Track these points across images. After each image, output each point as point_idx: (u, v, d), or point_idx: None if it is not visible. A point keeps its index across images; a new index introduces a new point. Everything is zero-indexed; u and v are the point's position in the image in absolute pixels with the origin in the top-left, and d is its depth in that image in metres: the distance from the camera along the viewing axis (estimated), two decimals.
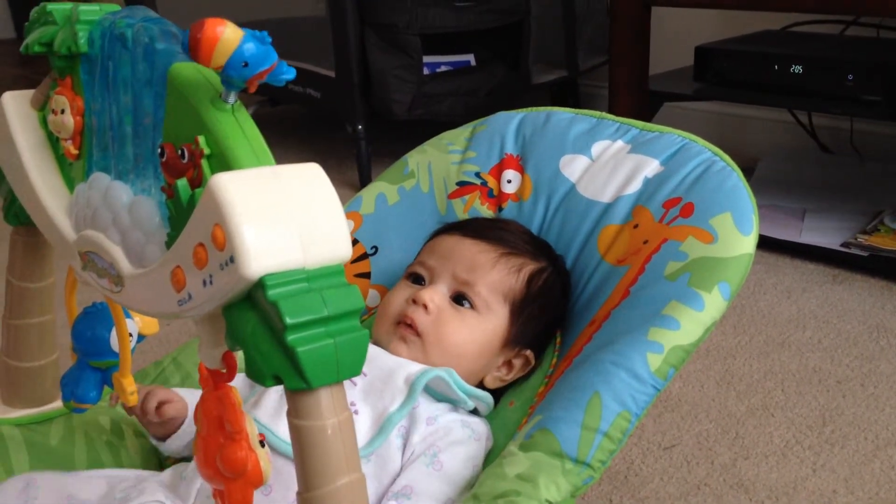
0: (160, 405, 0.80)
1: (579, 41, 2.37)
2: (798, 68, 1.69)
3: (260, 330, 0.53)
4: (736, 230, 0.78)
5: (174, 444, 0.82)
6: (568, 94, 2.51)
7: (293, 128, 2.67)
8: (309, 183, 0.55)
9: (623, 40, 1.86)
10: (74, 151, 0.69)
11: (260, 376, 0.53)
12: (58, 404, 0.85)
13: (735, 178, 0.83)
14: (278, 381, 0.52)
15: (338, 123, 2.22)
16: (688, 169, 0.85)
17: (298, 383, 0.51)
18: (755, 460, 1.14)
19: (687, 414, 1.25)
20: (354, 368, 0.53)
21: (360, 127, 2.12)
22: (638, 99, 1.91)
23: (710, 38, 1.90)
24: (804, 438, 1.18)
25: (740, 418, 1.23)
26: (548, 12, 2.32)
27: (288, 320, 0.51)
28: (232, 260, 0.51)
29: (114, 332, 0.75)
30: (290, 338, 0.51)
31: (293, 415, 0.52)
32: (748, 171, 1.93)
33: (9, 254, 0.80)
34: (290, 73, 0.56)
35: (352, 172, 2.14)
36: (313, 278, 0.53)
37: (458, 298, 0.85)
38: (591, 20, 2.39)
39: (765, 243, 1.72)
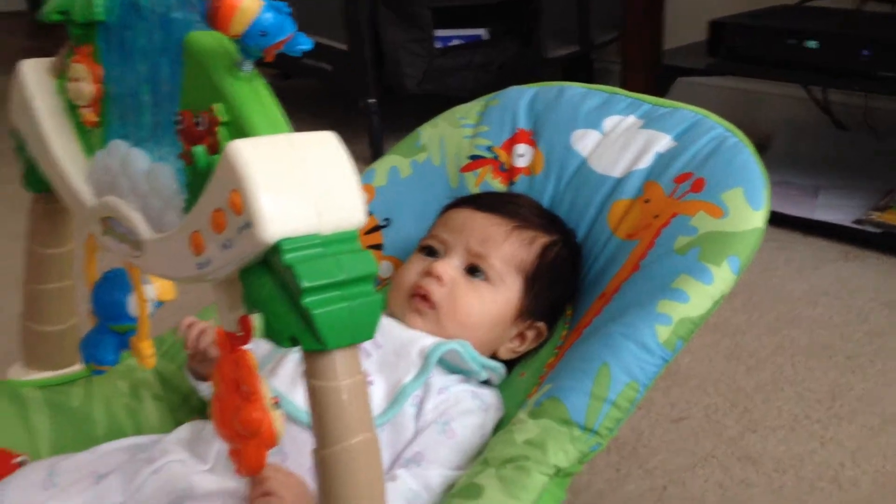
0: (202, 334, 0.81)
1: (592, 15, 2.36)
2: (813, 43, 1.68)
3: (276, 293, 0.54)
4: (747, 205, 0.79)
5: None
6: (581, 70, 2.50)
7: (305, 102, 2.68)
8: (324, 150, 0.56)
9: (637, 14, 1.86)
10: (93, 119, 0.70)
11: (277, 337, 0.54)
12: (77, 367, 0.87)
13: (747, 154, 0.83)
14: (295, 342, 0.53)
15: (350, 97, 2.22)
16: (700, 144, 0.86)
17: (314, 345, 0.53)
18: (763, 433, 1.15)
19: (696, 388, 1.26)
20: (368, 331, 0.54)
21: (372, 101, 2.12)
22: (651, 73, 1.91)
23: (724, 12, 1.88)
24: (812, 412, 1.20)
25: (749, 393, 1.24)
26: None
27: (304, 283, 0.52)
28: (249, 225, 0.52)
29: (132, 297, 0.77)
30: (306, 300, 0.52)
31: (310, 375, 0.54)
32: (762, 148, 1.93)
33: (29, 220, 0.82)
34: (307, 44, 0.57)
35: (364, 146, 2.15)
36: (328, 243, 0.54)
37: (472, 270, 0.86)
38: None
39: (777, 220, 1.72)
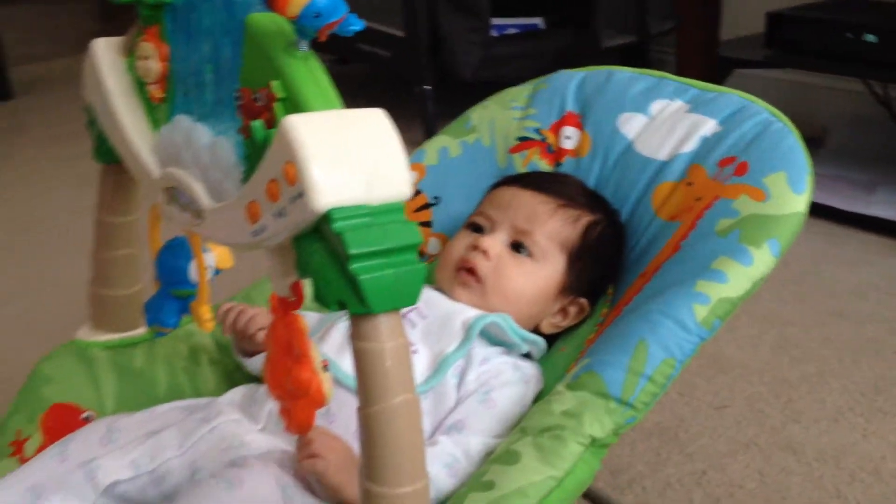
0: (251, 320, 0.85)
1: (650, 4, 2.35)
2: (872, 37, 1.66)
3: (326, 259, 0.57)
4: (789, 189, 0.80)
5: (259, 363, 0.87)
6: (636, 60, 2.49)
7: (361, 87, 2.72)
8: (373, 126, 0.59)
9: (694, 4, 1.85)
10: (159, 95, 0.74)
11: (326, 301, 0.57)
12: (141, 331, 0.92)
13: (792, 139, 0.84)
14: (342, 306, 0.57)
15: (405, 84, 2.26)
16: (745, 129, 0.87)
17: (360, 308, 0.56)
18: (806, 424, 1.16)
19: (739, 377, 1.27)
20: (411, 297, 0.57)
21: (427, 87, 2.15)
22: (707, 64, 1.90)
23: (783, 4, 1.87)
24: (856, 405, 1.19)
25: (793, 383, 1.25)
26: None
27: (352, 250, 0.55)
28: (302, 194, 0.56)
29: (193, 264, 0.81)
30: (354, 266, 0.55)
31: (355, 337, 0.57)
32: (817, 142, 1.91)
33: (98, 191, 0.87)
34: (358, 25, 0.60)
35: (418, 133, 2.18)
36: (376, 213, 0.57)
37: (517, 246, 0.89)
38: None
39: (831, 214, 1.71)
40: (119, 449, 0.77)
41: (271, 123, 0.61)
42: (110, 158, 0.81)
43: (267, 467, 0.72)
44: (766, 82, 2.19)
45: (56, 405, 0.87)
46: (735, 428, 1.16)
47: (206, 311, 0.81)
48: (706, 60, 1.90)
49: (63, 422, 0.86)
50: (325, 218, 0.56)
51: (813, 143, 0.86)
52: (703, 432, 1.15)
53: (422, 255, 1.01)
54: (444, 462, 0.74)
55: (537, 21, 2.37)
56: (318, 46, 0.61)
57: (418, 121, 2.20)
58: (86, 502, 0.73)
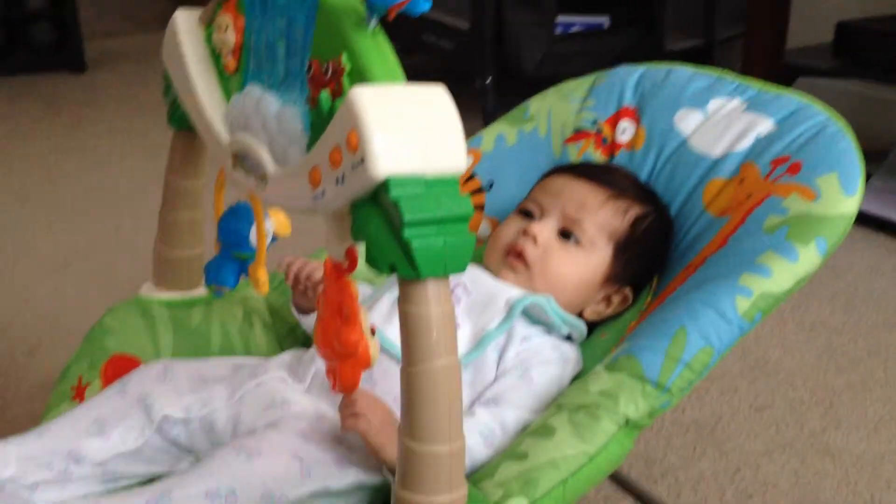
0: (311, 273, 0.89)
1: (719, 9, 2.34)
2: None
3: (381, 225, 0.60)
4: (840, 190, 0.80)
5: (313, 321, 0.91)
6: (701, 64, 2.48)
7: (424, 79, 2.75)
8: (434, 101, 0.61)
9: (762, 9, 1.84)
10: (233, 65, 0.77)
11: (378, 265, 0.60)
12: (199, 291, 0.96)
13: (847, 141, 0.84)
14: (393, 269, 0.60)
15: (467, 77, 2.28)
16: (801, 129, 0.87)
17: (410, 272, 0.58)
18: (845, 430, 1.16)
19: (783, 381, 1.27)
20: (459, 266, 0.59)
21: (488, 81, 2.18)
22: (772, 71, 1.88)
23: (853, 14, 1.85)
24: None
25: (837, 391, 1.24)
26: None
27: (406, 217, 0.58)
28: (362, 161, 0.59)
29: (253, 229, 0.85)
30: (407, 233, 0.58)
31: (403, 300, 0.60)
32: (881, 155, 1.89)
33: (169, 154, 0.91)
34: (426, 5, 0.62)
35: (477, 125, 2.21)
36: (431, 184, 0.59)
37: (566, 234, 0.91)
38: None
39: (888, 227, 1.69)
40: (173, 389, 0.81)
41: (338, 94, 0.64)
42: (183, 124, 0.86)
43: (287, 439, 0.75)
44: (831, 92, 2.16)
45: (116, 355, 0.92)
46: (773, 429, 1.16)
47: (262, 274, 0.85)
48: (771, 67, 1.88)
49: (122, 371, 0.91)
50: (383, 186, 0.59)
51: (875, 155, 0.86)
52: (740, 431, 1.16)
53: None
54: (481, 432, 0.77)
55: (602, 20, 2.38)
56: (384, 23, 0.64)
57: (478, 114, 2.22)
58: (143, 435, 0.78)
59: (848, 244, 1.66)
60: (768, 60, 1.89)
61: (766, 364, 1.31)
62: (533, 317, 0.88)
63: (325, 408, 0.80)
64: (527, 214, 0.94)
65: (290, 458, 0.73)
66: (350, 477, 0.74)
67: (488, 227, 1.03)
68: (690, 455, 1.11)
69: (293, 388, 0.82)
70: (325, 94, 0.65)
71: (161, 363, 0.86)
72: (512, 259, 0.91)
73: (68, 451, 0.76)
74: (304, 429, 0.77)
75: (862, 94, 2.18)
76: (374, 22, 0.64)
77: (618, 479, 1.06)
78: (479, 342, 0.84)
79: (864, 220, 1.72)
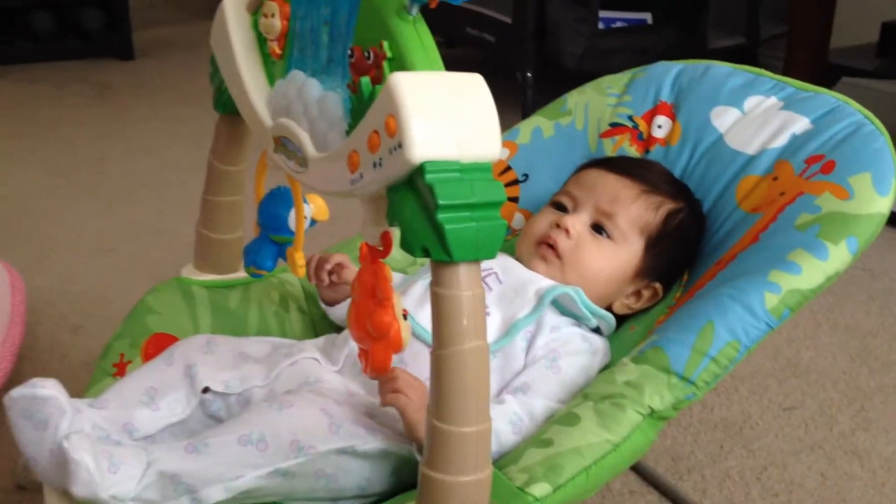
0: (337, 267, 0.91)
1: (763, 8, 2.32)
2: None
3: (416, 209, 0.62)
4: (873, 190, 0.80)
5: (341, 311, 0.93)
6: (744, 63, 2.46)
7: (466, 70, 2.76)
8: (472, 89, 0.63)
9: (805, 9, 1.83)
10: (278, 51, 0.80)
11: (411, 248, 0.62)
12: (238, 274, 0.99)
13: (882, 142, 0.84)
14: (426, 252, 0.61)
15: (508, 70, 2.29)
16: (836, 129, 0.87)
17: (442, 255, 0.60)
18: (875, 432, 1.15)
19: (814, 382, 1.27)
20: (491, 251, 0.61)
21: (529, 74, 2.19)
22: (815, 70, 1.87)
23: None
24: None
25: (868, 393, 1.24)
26: None
27: (440, 201, 0.59)
28: (400, 146, 0.60)
29: (292, 213, 0.87)
30: (440, 216, 0.59)
31: (434, 283, 0.61)
32: None
33: (213, 138, 0.93)
34: None
35: (516, 119, 2.22)
36: (465, 170, 0.61)
37: (598, 228, 0.92)
38: None
39: None
40: (216, 361, 0.84)
41: (378, 80, 0.66)
42: (228, 108, 0.88)
43: (319, 398, 0.77)
44: (875, 93, 2.13)
45: (156, 334, 0.95)
46: (802, 429, 1.16)
47: (300, 258, 0.87)
48: (814, 67, 1.87)
49: (162, 350, 0.93)
50: (419, 170, 0.60)
51: None
52: (768, 430, 1.16)
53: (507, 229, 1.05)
54: (510, 420, 0.78)
55: (646, 16, 2.37)
56: (429, 28, 0.65)
57: (518, 108, 2.23)
58: (189, 406, 0.81)
59: (885, 247, 1.65)
60: (811, 60, 1.88)
61: (798, 365, 1.31)
62: (563, 307, 0.89)
63: (356, 388, 0.82)
64: (560, 207, 0.95)
65: (319, 412, 0.75)
66: (377, 441, 0.76)
67: (522, 219, 1.05)
68: (717, 452, 1.11)
69: (326, 369, 0.85)
70: (365, 80, 0.67)
71: (204, 336, 0.89)
72: (544, 250, 0.92)
73: (124, 423, 0.79)
74: (336, 398, 0.79)
75: None
76: (415, 10, 0.65)
77: (644, 474, 1.06)
78: (509, 330, 0.85)
79: None
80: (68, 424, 0.73)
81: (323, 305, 0.97)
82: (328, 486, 0.75)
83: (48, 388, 0.73)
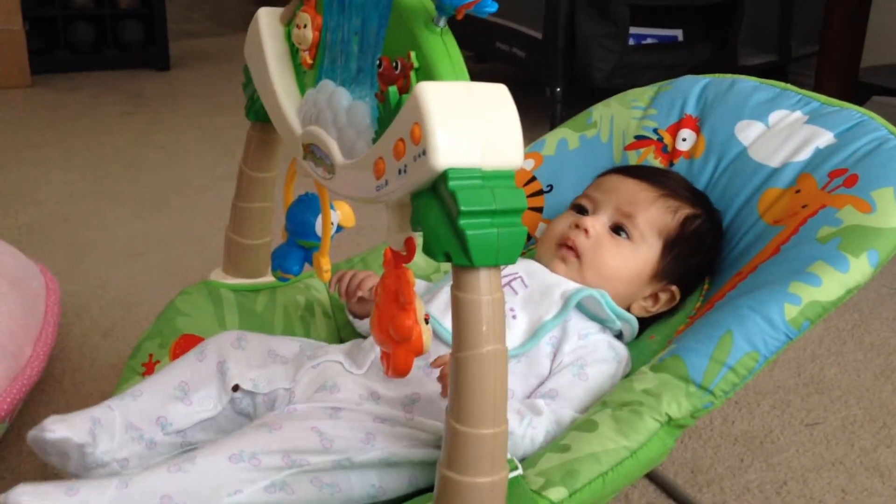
0: (362, 281, 0.93)
1: (794, 26, 2.32)
2: None
3: (439, 215, 0.63)
4: (895, 204, 0.81)
5: (367, 325, 0.95)
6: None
7: None
8: (496, 99, 0.64)
9: (837, 27, 1.83)
10: (310, 61, 0.82)
11: (433, 252, 0.63)
12: (265, 279, 1.01)
13: None
14: (448, 258, 0.63)
15: (537, 85, 2.31)
16: (860, 143, 0.88)
17: (463, 260, 0.62)
18: None
19: (837, 398, 1.26)
20: (511, 257, 0.62)
21: (558, 90, 2.20)
22: (845, 89, 1.87)
23: None
24: None
25: (892, 410, 1.23)
26: None
27: (462, 207, 0.61)
28: (424, 153, 0.62)
29: (319, 219, 0.89)
30: (462, 222, 0.61)
31: (455, 288, 0.63)
32: None
33: (244, 146, 0.96)
34: (492, 7, 0.66)
35: (544, 133, 2.23)
36: (487, 177, 0.62)
37: (617, 229, 0.93)
38: (811, 5, 2.33)
39: None
40: (246, 358, 0.86)
41: (405, 90, 0.67)
42: (259, 117, 0.91)
43: (308, 418, 0.78)
44: None
45: (185, 335, 0.97)
46: (824, 445, 1.15)
47: (325, 263, 0.89)
48: (845, 85, 1.87)
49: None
50: (442, 177, 0.62)
51: None
52: (789, 445, 1.15)
53: (529, 238, 1.07)
54: (546, 429, 0.79)
55: (676, 33, 2.38)
56: (460, 42, 0.67)
57: (545, 123, 2.24)
58: (220, 402, 0.83)
59: None
60: (842, 78, 1.88)
61: (822, 381, 1.30)
62: (588, 311, 0.90)
63: (382, 390, 0.83)
64: (580, 210, 0.97)
65: (309, 431, 0.76)
66: (376, 451, 0.76)
67: (545, 228, 1.06)
68: (738, 466, 1.11)
69: (345, 373, 0.86)
70: (393, 90, 0.68)
71: (235, 332, 0.91)
72: (564, 251, 0.93)
73: (157, 416, 0.82)
74: (332, 413, 0.80)
75: None
76: (442, 22, 0.67)
77: (663, 485, 1.06)
78: (535, 333, 0.86)
79: None
80: (90, 456, 0.76)
81: (351, 318, 0.99)
82: (335, 497, 0.76)
83: (57, 432, 0.75)
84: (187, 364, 0.86)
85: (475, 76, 0.65)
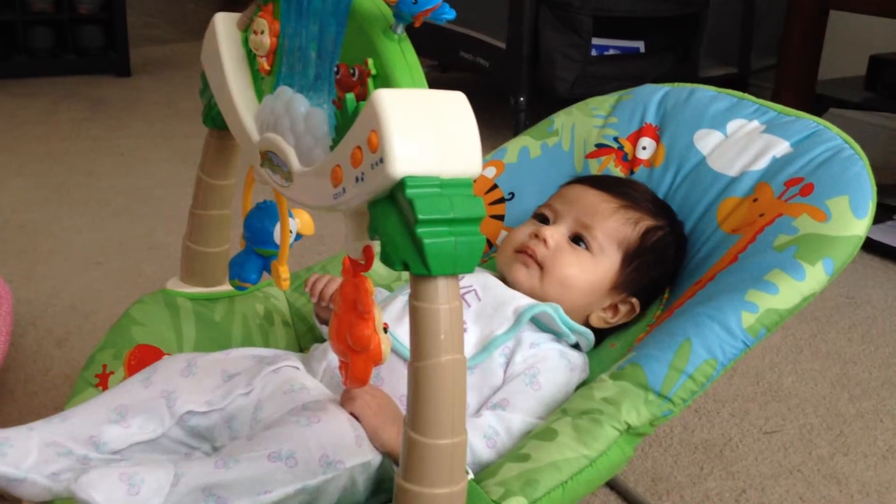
0: (328, 285, 0.93)
1: (755, 39, 2.35)
2: None
3: (397, 223, 0.63)
4: (850, 212, 0.82)
5: None
6: None
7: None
8: (454, 107, 0.64)
9: (795, 40, 1.86)
10: (267, 67, 0.81)
11: (391, 261, 0.63)
12: (223, 287, 0.99)
13: (860, 166, 0.86)
14: (405, 266, 0.62)
15: (500, 95, 2.31)
16: (816, 152, 0.89)
17: (421, 269, 0.61)
18: (854, 458, 1.16)
19: (795, 406, 1.27)
20: (469, 265, 0.62)
21: (521, 99, 2.20)
22: (803, 101, 1.89)
23: (887, 47, 1.85)
24: None
25: (848, 419, 1.25)
26: (727, 6, 2.31)
27: (420, 216, 0.60)
28: (381, 161, 0.61)
29: (278, 227, 0.88)
30: (420, 231, 0.60)
31: (413, 297, 0.62)
32: None
33: (202, 153, 0.95)
34: (450, 14, 0.65)
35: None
36: (446, 185, 0.62)
37: (576, 239, 0.93)
38: (771, 19, 2.36)
39: None
40: (196, 384, 0.84)
41: (362, 97, 0.67)
42: (216, 123, 0.89)
43: (340, 409, 0.77)
44: (862, 125, 2.16)
45: (140, 345, 0.95)
46: (782, 453, 1.16)
47: (284, 271, 0.88)
48: (803, 98, 1.89)
49: (145, 361, 0.94)
50: (400, 185, 0.61)
51: None
52: (748, 453, 1.16)
53: (491, 246, 1.06)
54: (485, 433, 0.79)
55: (639, 45, 2.40)
56: (421, 51, 0.67)
57: (508, 132, 2.25)
58: (162, 427, 0.80)
59: (868, 276, 1.67)
60: (800, 91, 1.90)
61: (780, 390, 1.31)
62: (542, 325, 0.90)
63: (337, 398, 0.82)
64: (541, 219, 0.97)
65: (346, 424, 0.75)
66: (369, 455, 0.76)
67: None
68: (697, 474, 1.12)
69: (307, 377, 0.85)
70: (350, 97, 0.68)
71: (185, 357, 0.88)
72: (524, 256, 0.93)
73: (89, 436, 0.79)
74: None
75: (893, 128, 2.18)
76: (400, 29, 0.67)
77: (623, 493, 1.07)
78: (486, 347, 0.86)
79: (885, 252, 1.72)
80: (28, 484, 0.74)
81: (317, 323, 0.98)
82: (345, 501, 0.75)
83: None
84: (129, 388, 0.83)
85: (439, 85, 0.65)
